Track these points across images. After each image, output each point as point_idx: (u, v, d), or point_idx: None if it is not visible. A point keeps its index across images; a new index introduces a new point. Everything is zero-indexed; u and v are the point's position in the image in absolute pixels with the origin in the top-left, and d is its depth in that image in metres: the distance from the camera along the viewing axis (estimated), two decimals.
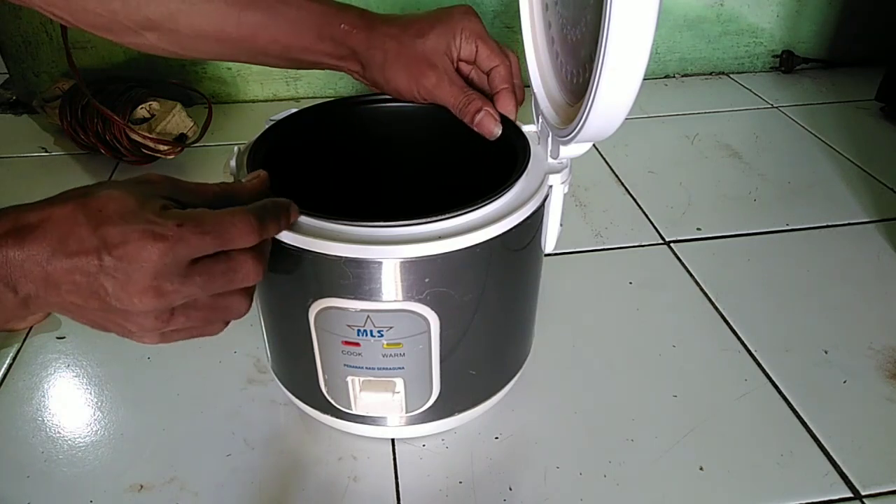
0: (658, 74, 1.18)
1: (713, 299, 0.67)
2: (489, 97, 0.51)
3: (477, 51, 0.50)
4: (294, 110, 0.53)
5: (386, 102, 0.54)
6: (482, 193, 0.42)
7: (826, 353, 0.61)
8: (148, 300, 0.33)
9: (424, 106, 0.52)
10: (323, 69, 0.53)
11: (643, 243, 0.75)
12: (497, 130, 0.49)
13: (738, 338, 0.62)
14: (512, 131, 0.50)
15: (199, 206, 0.36)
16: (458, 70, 0.51)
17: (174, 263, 0.33)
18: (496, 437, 0.53)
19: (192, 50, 0.49)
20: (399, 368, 0.45)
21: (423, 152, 0.56)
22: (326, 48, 0.50)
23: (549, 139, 0.48)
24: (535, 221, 0.45)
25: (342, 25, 0.49)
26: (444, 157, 0.55)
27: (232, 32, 0.48)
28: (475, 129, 0.49)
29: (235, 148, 0.48)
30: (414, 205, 0.42)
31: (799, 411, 0.55)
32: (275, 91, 1.10)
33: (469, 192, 0.43)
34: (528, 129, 0.51)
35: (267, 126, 0.51)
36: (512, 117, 0.50)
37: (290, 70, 1.08)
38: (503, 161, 0.48)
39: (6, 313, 0.33)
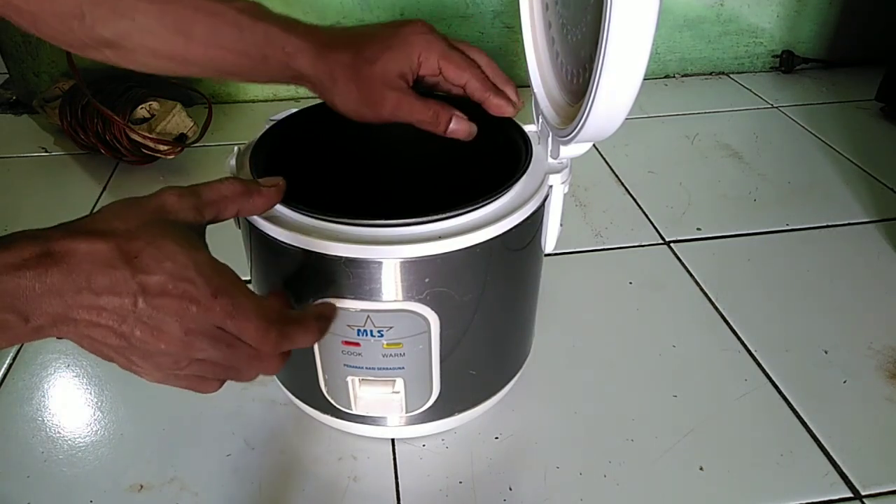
0: (658, 74, 1.18)
1: (713, 299, 0.67)
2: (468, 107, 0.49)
3: (441, 70, 0.48)
4: (294, 110, 0.53)
5: None
6: (482, 193, 0.42)
7: (826, 353, 0.61)
8: (174, 349, 0.34)
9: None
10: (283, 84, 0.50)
11: (643, 243, 0.75)
12: (473, 129, 0.48)
13: (738, 338, 0.62)
14: (513, 130, 0.50)
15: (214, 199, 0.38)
16: (421, 80, 0.48)
17: (205, 326, 0.34)
18: (496, 437, 0.53)
19: (150, 67, 0.48)
20: (399, 368, 0.45)
21: (422, 152, 0.56)
22: (273, 70, 0.47)
23: (549, 139, 0.48)
24: (535, 221, 0.45)
25: (285, 48, 0.45)
26: (444, 157, 0.55)
27: (182, 53, 0.46)
28: (451, 136, 0.48)
29: (235, 148, 0.48)
30: (414, 205, 0.42)
31: (799, 411, 0.55)
32: (275, 91, 1.10)
33: (469, 192, 0.43)
34: (529, 129, 0.51)
35: (267, 126, 0.51)
36: (510, 112, 0.49)
37: None
38: (503, 161, 0.48)
39: (15, 339, 0.32)
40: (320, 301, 0.42)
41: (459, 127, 0.48)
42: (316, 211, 0.41)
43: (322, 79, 0.46)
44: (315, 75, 0.46)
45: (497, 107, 0.48)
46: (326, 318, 0.40)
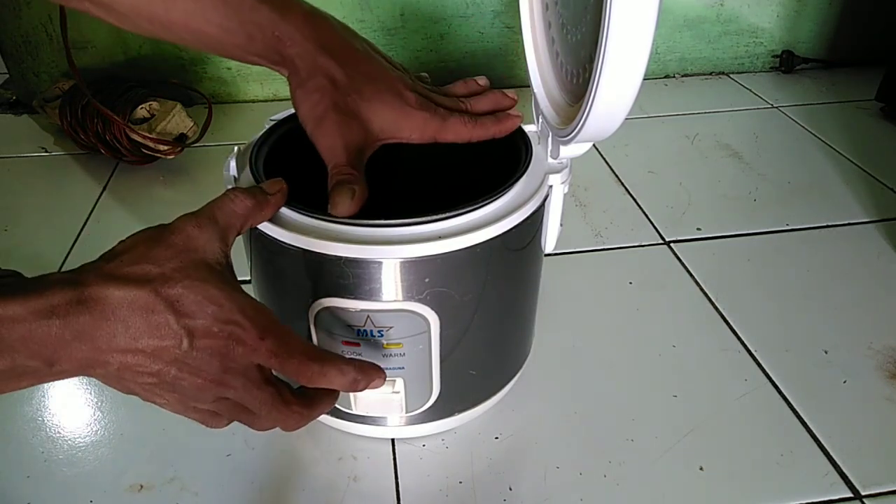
0: (658, 74, 1.18)
1: (713, 299, 0.67)
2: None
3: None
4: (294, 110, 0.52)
5: None
6: (482, 194, 0.42)
7: (826, 353, 0.61)
8: (207, 387, 0.34)
9: None
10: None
11: (643, 243, 0.75)
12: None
13: (738, 338, 0.62)
14: (513, 131, 0.50)
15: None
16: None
17: (244, 366, 0.35)
18: (496, 437, 0.53)
19: (129, 25, 0.45)
20: (399, 368, 0.45)
21: (423, 151, 0.56)
22: (257, 50, 0.44)
23: (549, 139, 0.48)
24: (535, 221, 0.45)
25: (275, 32, 0.43)
26: (444, 157, 0.55)
27: (162, 16, 0.44)
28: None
29: (235, 148, 0.48)
30: (414, 205, 0.42)
31: (799, 411, 0.55)
32: (275, 91, 1.10)
33: (469, 193, 0.43)
34: (528, 129, 0.51)
35: (267, 126, 0.51)
36: (517, 123, 0.49)
37: None
38: (503, 161, 0.48)
39: (37, 382, 0.32)
40: (366, 360, 0.42)
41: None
42: (316, 211, 0.41)
43: (303, 77, 0.44)
44: (303, 68, 0.44)
45: (507, 130, 0.49)
46: (365, 372, 0.40)
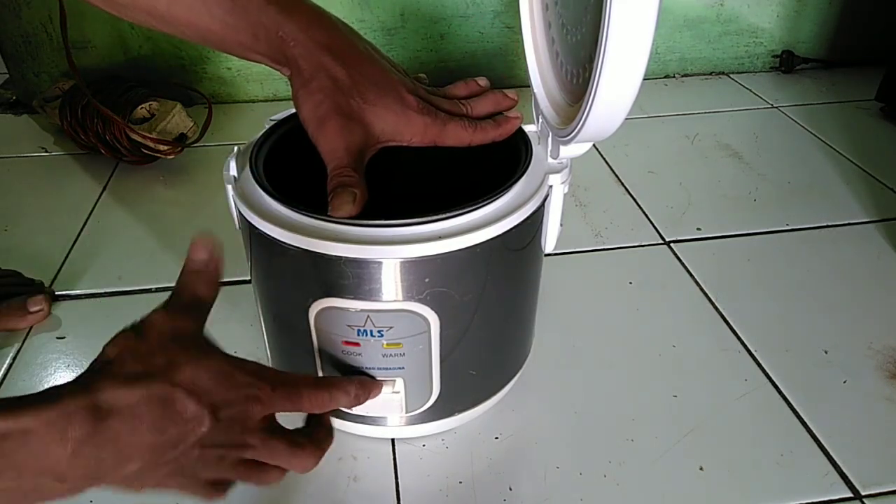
0: (658, 74, 1.18)
1: (713, 299, 0.67)
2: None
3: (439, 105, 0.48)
4: (294, 109, 0.52)
5: None
6: (482, 194, 0.42)
7: (826, 353, 0.61)
8: (230, 456, 0.36)
9: None
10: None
11: (643, 243, 0.75)
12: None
13: (738, 338, 0.62)
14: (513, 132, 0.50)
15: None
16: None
17: (258, 422, 0.37)
18: (496, 437, 0.53)
19: (127, 16, 0.45)
20: (399, 368, 0.45)
21: (423, 151, 0.56)
22: (262, 48, 0.44)
23: (549, 139, 0.48)
24: (535, 221, 0.45)
25: (279, 32, 0.43)
26: (444, 157, 0.55)
27: (163, 11, 0.43)
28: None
29: (235, 148, 0.48)
30: (414, 205, 0.42)
31: (799, 411, 0.55)
32: (275, 91, 1.10)
33: (469, 192, 0.43)
34: (528, 128, 0.51)
35: (267, 126, 0.51)
36: (517, 124, 0.50)
37: None
38: (503, 161, 0.48)
39: (41, 499, 0.31)
40: (363, 377, 0.45)
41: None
42: (316, 211, 0.41)
43: (306, 78, 0.43)
44: (306, 69, 0.43)
45: (506, 133, 0.49)
46: (364, 387, 0.44)
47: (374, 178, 0.58)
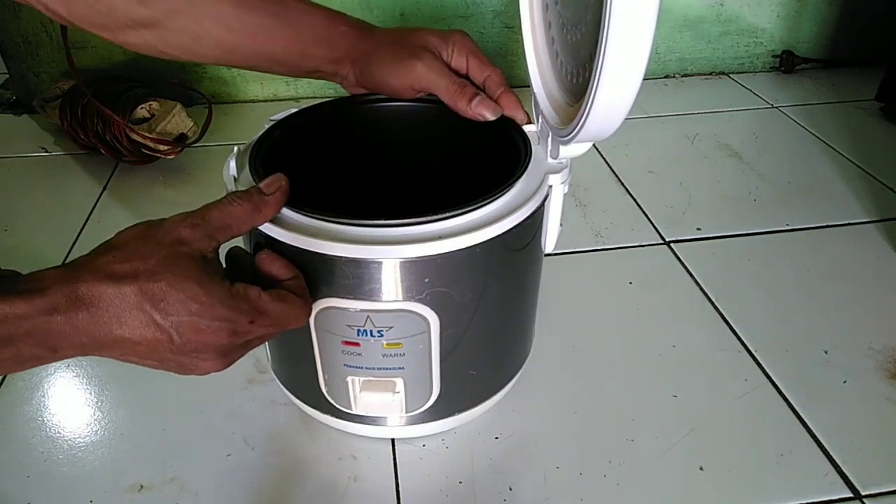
0: (658, 74, 1.18)
1: (713, 299, 0.67)
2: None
3: (468, 63, 0.50)
4: (294, 110, 0.53)
5: (386, 101, 0.54)
6: (482, 193, 0.42)
7: (826, 353, 0.61)
8: (214, 368, 0.38)
9: (424, 105, 0.52)
10: (314, 77, 0.53)
11: (643, 243, 0.75)
12: (491, 115, 0.49)
13: (738, 338, 0.62)
14: (513, 130, 0.50)
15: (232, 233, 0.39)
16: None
17: (240, 343, 0.38)
18: (496, 437, 0.53)
19: (186, 51, 0.48)
20: (399, 368, 0.45)
21: (423, 151, 0.56)
22: (322, 52, 0.51)
23: (549, 139, 0.48)
24: (535, 221, 0.45)
25: (341, 27, 0.50)
26: (444, 157, 0.55)
27: (230, 35, 0.48)
28: (470, 113, 0.49)
29: (235, 148, 0.48)
30: (414, 205, 0.42)
31: (799, 411, 0.55)
32: (275, 91, 1.10)
33: (469, 192, 0.43)
34: (528, 128, 0.51)
35: (267, 126, 0.51)
36: (520, 117, 0.50)
37: None
38: (503, 161, 0.48)
39: (42, 364, 0.35)
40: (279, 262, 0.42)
41: (483, 105, 0.49)
42: (316, 211, 0.41)
43: (366, 48, 0.50)
44: (361, 45, 0.50)
45: (511, 103, 0.50)
46: (299, 273, 0.42)
47: (374, 178, 0.58)
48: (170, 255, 0.35)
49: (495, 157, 0.49)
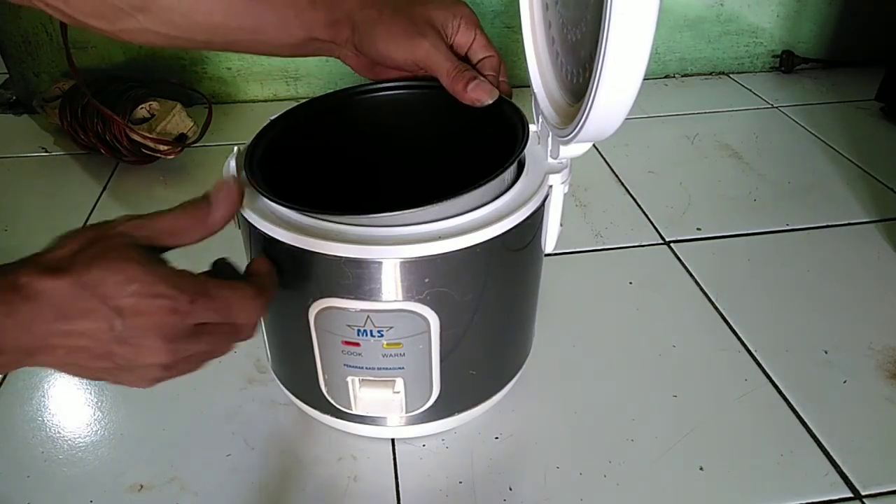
0: (658, 74, 1.18)
1: (713, 299, 0.67)
2: None
3: (474, 40, 0.50)
4: (293, 106, 0.52)
5: (383, 91, 0.53)
6: (483, 176, 0.42)
7: (826, 353, 0.61)
8: (159, 358, 0.35)
9: (422, 91, 0.51)
10: (310, 52, 0.52)
11: (643, 243, 0.75)
12: (488, 99, 0.48)
13: (738, 338, 0.62)
14: (512, 113, 0.49)
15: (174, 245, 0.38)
16: (451, 48, 0.51)
17: (185, 329, 0.35)
18: (496, 437, 0.53)
19: (179, 28, 0.47)
20: (399, 368, 0.45)
21: (422, 139, 0.55)
22: (320, 14, 0.49)
23: (549, 139, 0.48)
24: (535, 221, 0.45)
25: None
26: (444, 145, 0.54)
27: (225, 8, 0.47)
28: (467, 97, 0.48)
29: (235, 148, 0.48)
30: (414, 194, 0.41)
31: (799, 411, 0.55)
32: (275, 91, 1.10)
33: (469, 178, 0.42)
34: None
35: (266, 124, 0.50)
36: (509, 93, 0.50)
37: (289, 70, 1.08)
38: (503, 146, 0.47)
39: None
40: (251, 260, 0.42)
41: (481, 88, 0.48)
42: (316, 210, 0.41)
43: (369, 14, 0.49)
44: (362, 10, 0.49)
45: (506, 84, 0.50)
46: (269, 270, 0.41)
47: (373, 171, 0.57)
48: (108, 246, 0.35)
49: (495, 143, 0.48)
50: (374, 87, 0.53)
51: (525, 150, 0.46)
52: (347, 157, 0.56)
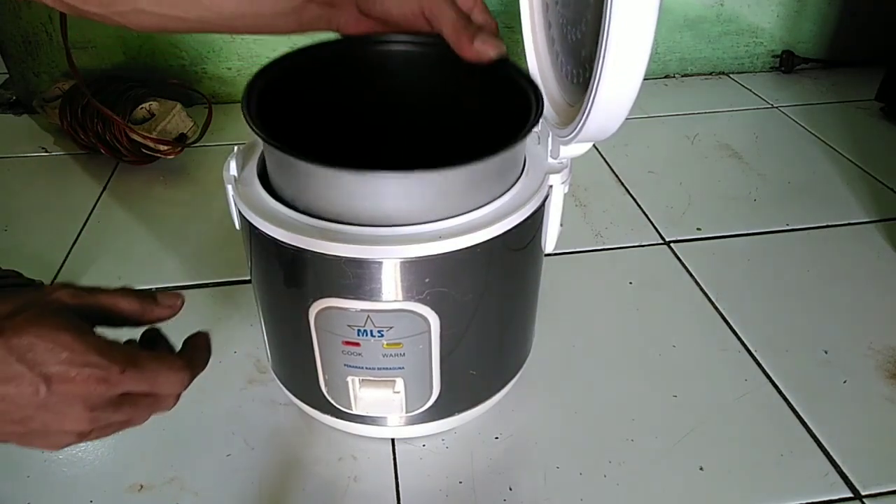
0: (658, 74, 1.18)
1: (713, 299, 0.67)
2: None
3: (475, 5, 0.48)
4: (288, 50, 0.49)
5: (385, 43, 0.50)
6: (489, 145, 0.40)
7: (826, 353, 0.61)
8: (80, 426, 0.35)
9: (426, 48, 0.49)
10: (307, 21, 0.49)
11: (643, 243, 0.75)
12: (494, 54, 0.46)
13: (738, 338, 0.62)
14: (521, 78, 0.46)
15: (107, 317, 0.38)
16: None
17: (110, 398, 0.35)
18: (496, 437, 0.53)
19: (174, 11, 0.46)
20: (399, 368, 0.45)
21: (431, 104, 0.53)
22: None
23: (550, 139, 0.48)
24: (535, 221, 0.45)
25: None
26: (454, 112, 0.52)
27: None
28: (472, 50, 0.46)
29: (235, 148, 0.48)
30: (417, 157, 0.40)
31: (799, 411, 0.55)
32: None
33: (473, 142, 0.41)
34: None
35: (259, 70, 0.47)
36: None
37: None
38: (509, 106, 0.45)
39: None
40: (194, 333, 0.41)
41: (489, 44, 0.46)
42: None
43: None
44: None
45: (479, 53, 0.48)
46: (206, 346, 0.41)
47: (374, 126, 0.54)
48: (42, 311, 0.34)
49: (502, 103, 0.47)
50: (377, 38, 0.50)
51: (526, 140, 0.45)
52: (347, 107, 0.53)
